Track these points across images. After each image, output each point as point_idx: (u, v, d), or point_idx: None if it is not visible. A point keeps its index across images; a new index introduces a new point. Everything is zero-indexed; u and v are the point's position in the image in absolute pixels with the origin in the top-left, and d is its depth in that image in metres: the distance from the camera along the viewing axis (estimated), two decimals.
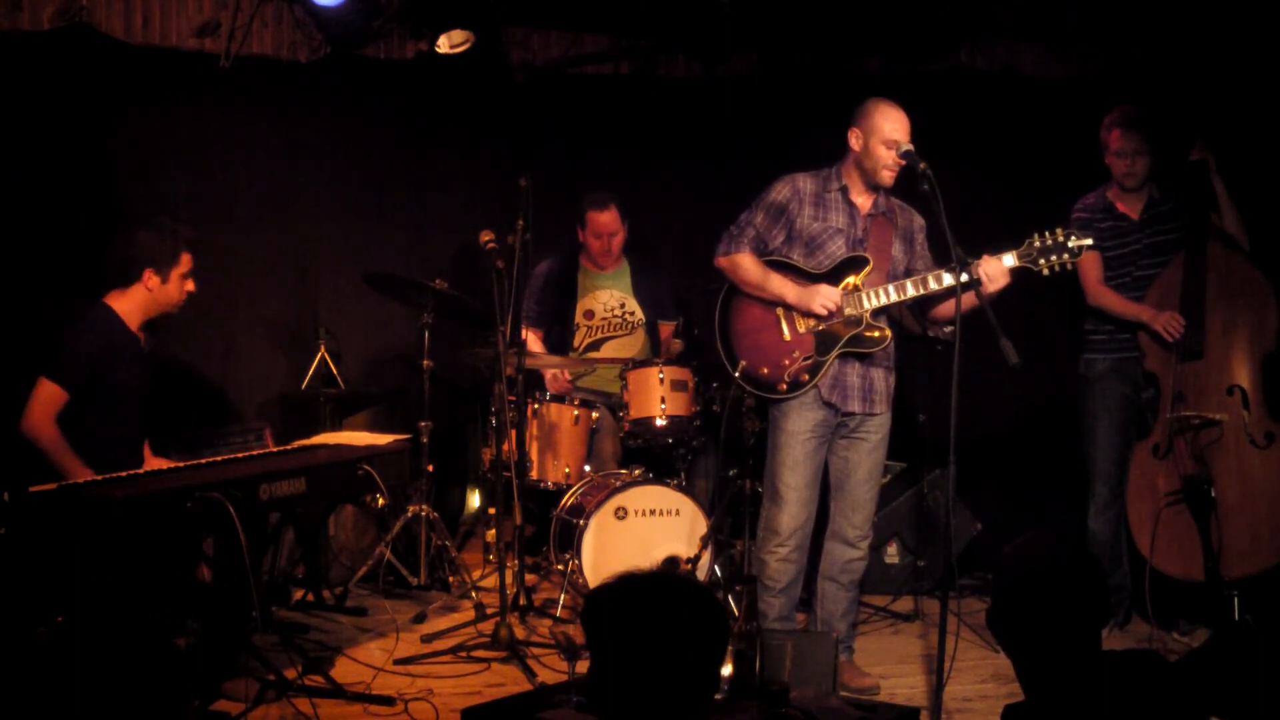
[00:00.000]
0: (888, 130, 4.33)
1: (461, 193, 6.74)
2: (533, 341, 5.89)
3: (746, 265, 4.47)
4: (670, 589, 2.48)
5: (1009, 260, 4.31)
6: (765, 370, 4.45)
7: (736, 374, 4.45)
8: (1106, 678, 2.55)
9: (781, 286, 4.42)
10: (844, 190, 4.45)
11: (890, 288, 4.39)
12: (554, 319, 6.01)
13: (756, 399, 4.52)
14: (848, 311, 4.40)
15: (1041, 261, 4.32)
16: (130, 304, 4.63)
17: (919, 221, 4.56)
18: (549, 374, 5.90)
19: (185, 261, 4.66)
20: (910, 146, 4.26)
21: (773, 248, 4.49)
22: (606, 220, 5.89)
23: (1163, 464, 4.94)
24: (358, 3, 5.97)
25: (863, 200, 4.47)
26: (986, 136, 6.41)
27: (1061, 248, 4.31)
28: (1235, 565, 4.74)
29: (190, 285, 4.70)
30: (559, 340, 6.00)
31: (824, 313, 4.37)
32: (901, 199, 4.55)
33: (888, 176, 4.38)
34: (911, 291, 4.37)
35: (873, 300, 4.39)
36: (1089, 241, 4.38)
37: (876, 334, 4.42)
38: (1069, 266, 4.33)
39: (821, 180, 4.47)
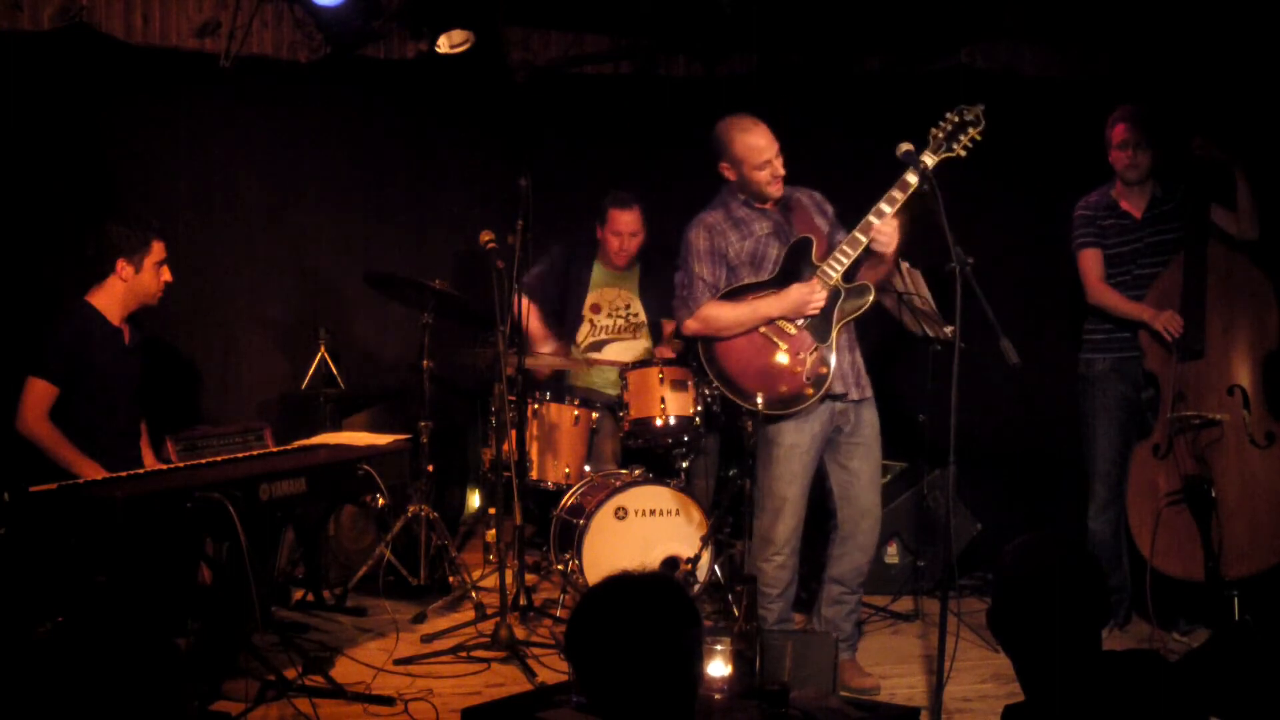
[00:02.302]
0: (754, 156, 4.41)
1: (461, 193, 6.74)
2: (527, 312, 5.53)
3: (716, 313, 4.45)
4: (634, 589, 2.52)
5: (929, 159, 4.30)
6: (784, 389, 4.39)
7: (761, 408, 4.36)
8: (1106, 678, 2.55)
9: (759, 308, 4.41)
10: (747, 203, 4.50)
11: (844, 246, 4.38)
12: (562, 306, 6.00)
13: None
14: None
15: (955, 146, 4.34)
16: (108, 298, 4.65)
17: (819, 195, 4.63)
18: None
19: (157, 249, 4.68)
20: (910, 147, 4.26)
21: (722, 283, 4.49)
22: (628, 220, 5.87)
23: (1163, 464, 4.94)
24: (358, 3, 5.97)
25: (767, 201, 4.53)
26: (986, 136, 6.39)
27: (963, 125, 4.34)
28: (1235, 565, 4.74)
29: (166, 274, 4.72)
30: (566, 333, 5.98)
31: (818, 311, 4.38)
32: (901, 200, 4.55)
33: (775, 190, 4.46)
34: (862, 238, 4.34)
35: (835, 268, 4.38)
36: (982, 106, 4.40)
37: (859, 293, 4.42)
38: (978, 138, 4.35)
39: (723, 207, 4.53)
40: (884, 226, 4.30)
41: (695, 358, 4.58)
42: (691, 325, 4.50)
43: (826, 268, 4.38)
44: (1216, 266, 4.96)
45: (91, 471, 4.40)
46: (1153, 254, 5.12)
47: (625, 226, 5.87)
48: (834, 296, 4.40)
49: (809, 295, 4.36)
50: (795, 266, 4.42)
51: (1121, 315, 5.09)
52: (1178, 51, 5.89)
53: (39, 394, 4.47)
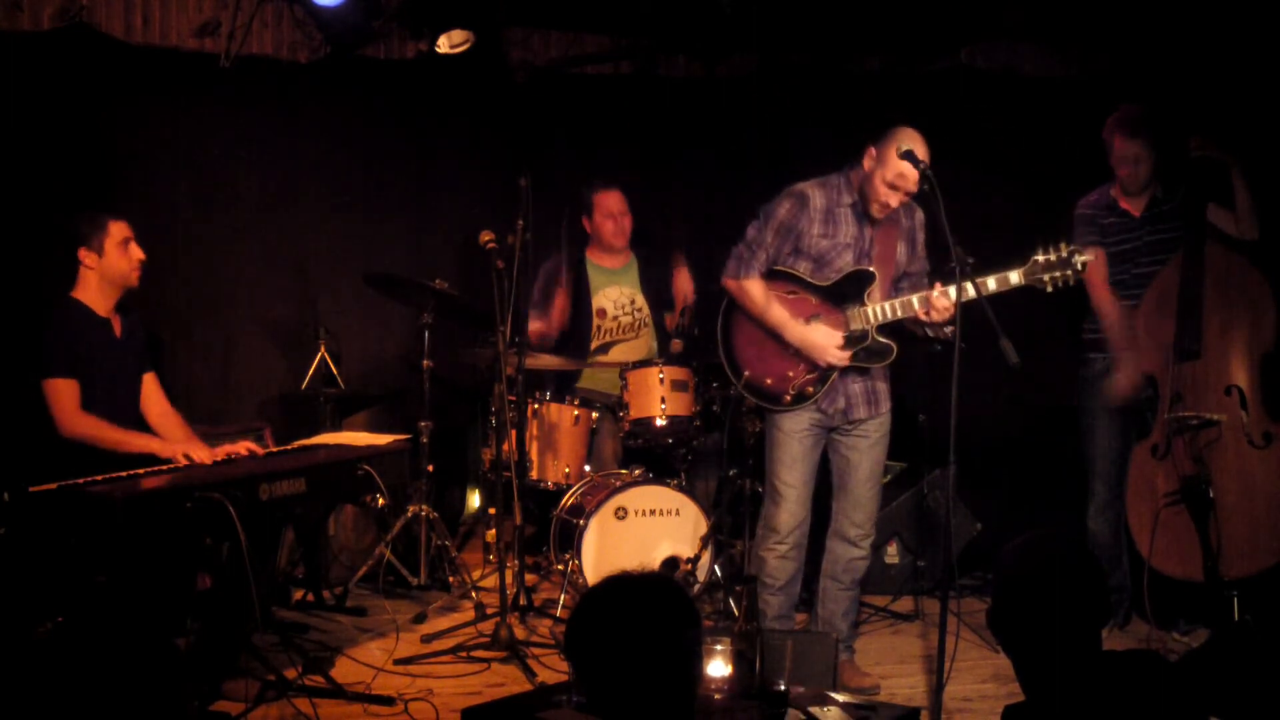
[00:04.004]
0: (897, 167, 4.23)
1: (461, 193, 6.75)
2: (543, 327, 5.87)
3: (753, 293, 4.43)
4: (634, 589, 2.52)
5: (1014, 278, 4.26)
6: (770, 382, 4.43)
7: (740, 385, 4.42)
8: (1106, 678, 2.55)
9: (786, 323, 4.39)
10: (855, 205, 4.40)
11: (896, 303, 4.36)
12: (569, 318, 6.00)
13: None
14: (854, 327, 4.40)
15: (1045, 278, 4.27)
16: (87, 290, 4.63)
17: (920, 218, 4.53)
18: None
19: (115, 230, 4.62)
20: (909, 147, 4.25)
21: (780, 258, 4.46)
22: (616, 199, 5.93)
23: (1162, 464, 4.94)
24: (358, 3, 5.97)
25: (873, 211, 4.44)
26: (987, 136, 6.41)
27: (1065, 263, 4.26)
28: (1234, 565, 4.73)
29: (136, 251, 4.64)
30: (577, 340, 5.98)
31: (826, 365, 4.38)
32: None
33: (876, 209, 4.36)
34: (917, 306, 4.33)
35: (877, 315, 4.38)
36: (1090, 256, 4.33)
37: (883, 349, 4.42)
38: (1071, 282, 4.29)
39: (832, 192, 4.41)
40: (940, 304, 4.26)
41: (715, 316, 4.59)
42: (730, 284, 4.50)
43: (870, 310, 4.38)
44: (1215, 267, 4.95)
45: (147, 443, 4.40)
46: (1152, 253, 5.12)
47: (616, 206, 5.93)
48: (859, 338, 4.40)
49: (826, 348, 4.36)
50: (847, 292, 4.40)
51: (1107, 326, 5.09)
52: (1178, 51, 5.89)
53: (62, 392, 4.42)
